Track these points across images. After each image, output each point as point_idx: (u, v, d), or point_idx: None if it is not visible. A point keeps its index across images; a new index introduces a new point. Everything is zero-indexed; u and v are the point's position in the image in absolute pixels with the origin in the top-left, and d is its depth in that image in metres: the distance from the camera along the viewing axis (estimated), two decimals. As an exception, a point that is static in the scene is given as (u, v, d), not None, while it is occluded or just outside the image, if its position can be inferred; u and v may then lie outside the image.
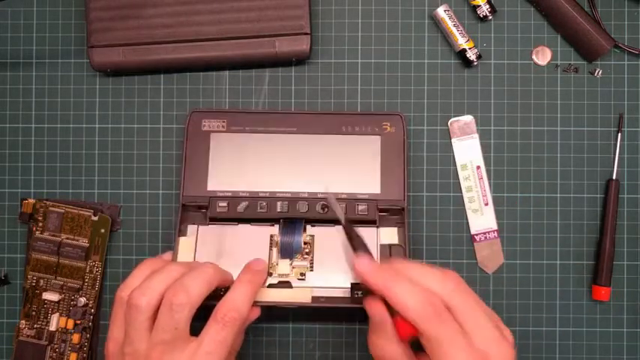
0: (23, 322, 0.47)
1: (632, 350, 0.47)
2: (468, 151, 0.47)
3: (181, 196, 0.46)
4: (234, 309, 0.38)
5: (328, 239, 0.46)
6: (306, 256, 0.46)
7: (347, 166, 0.46)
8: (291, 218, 0.46)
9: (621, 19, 0.47)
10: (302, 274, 0.46)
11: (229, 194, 0.46)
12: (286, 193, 0.46)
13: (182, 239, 0.45)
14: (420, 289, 0.37)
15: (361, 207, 0.46)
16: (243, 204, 0.46)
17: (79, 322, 0.47)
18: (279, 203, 0.46)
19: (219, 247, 0.46)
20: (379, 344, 0.38)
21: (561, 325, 0.47)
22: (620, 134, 0.47)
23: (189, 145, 0.46)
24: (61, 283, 0.47)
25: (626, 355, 0.47)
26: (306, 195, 0.46)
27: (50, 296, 0.47)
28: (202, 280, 0.39)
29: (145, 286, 0.39)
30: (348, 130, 0.46)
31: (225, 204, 0.46)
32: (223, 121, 0.46)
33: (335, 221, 0.45)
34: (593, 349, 0.47)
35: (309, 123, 0.46)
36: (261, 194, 0.46)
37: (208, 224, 0.46)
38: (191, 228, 0.46)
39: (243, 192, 0.46)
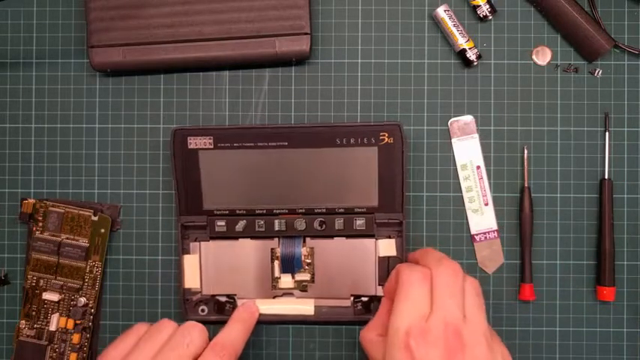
0: (23, 322, 0.47)
1: (632, 350, 0.47)
2: (468, 151, 0.47)
3: (178, 217, 0.46)
4: (232, 343, 0.40)
5: (328, 250, 0.46)
6: (306, 267, 0.46)
7: (343, 179, 0.45)
8: (290, 236, 0.46)
9: (621, 19, 0.47)
10: (304, 287, 0.46)
11: (226, 212, 0.46)
12: (283, 209, 0.45)
13: (186, 257, 0.46)
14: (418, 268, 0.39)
15: (359, 222, 0.45)
16: (242, 223, 0.46)
17: (79, 322, 0.47)
18: (276, 222, 0.46)
19: (223, 263, 0.46)
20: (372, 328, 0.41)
21: (561, 325, 0.47)
22: (607, 133, 0.47)
23: (177, 164, 0.45)
24: (61, 283, 0.47)
25: (626, 355, 0.47)
26: (303, 210, 0.46)
27: (50, 296, 0.47)
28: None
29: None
30: (343, 143, 0.45)
31: (223, 223, 0.46)
32: (210, 139, 0.45)
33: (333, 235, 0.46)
34: (594, 349, 0.47)
35: (301, 137, 0.45)
36: (257, 211, 0.46)
37: (209, 240, 0.46)
38: (193, 245, 0.46)
39: (239, 209, 0.46)
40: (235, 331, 0.42)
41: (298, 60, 0.46)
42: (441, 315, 0.36)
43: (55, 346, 0.47)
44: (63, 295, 0.47)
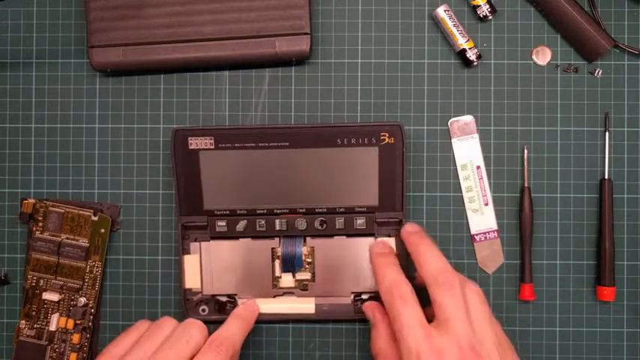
0: (23, 322, 0.47)
1: (632, 350, 0.47)
2: (468, 151, 0.47)
3: (179, 217, 0.46)
4: (230, 339, 0.40)
5: (328, 249, 0.46)
6: (307, 266, 0.46)
7: (344, 179, 0.45)
8: (291, 236, 0.46)
9: (621, 19, 0.47)
10: (304, 286, 0.46)
11: (227, 212, 0.46)
12: (284, 209, 0.46)
13: (187, 257, 0.46)
14: (444, 260, 0.40)
15: (359, 221, 0.45)
16: (242, 223, 0.46)
17: (79, 322, 0.47)
18: (277, 221, 0.46)
19: (223, 263, 0.46)
20: (375, 341, 0.42)
21: (561, 325, 0.47)
22: (607, 133, 0.47)
23: (178, 164, 0.45)
24: (61, 283, 0.47)
25: (626, 355, 0.47)
26: (304, 210, 0.46)
27: (50, 296, 0.47)
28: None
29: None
30: (344, 143, 0.45)
31: (224, 223, 0.46)
32: (210, 139, 0.45)
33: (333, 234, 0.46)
34: (594, 349, 0.47)
35: (302, 137, 0.45)
36: (258, 211, 0.46)
37: (210, 240, 0.46)
38: (193, 245, 0.46)
39: (240, 209, 0.46)
40: (234, 328, 0.42)
41: (298, 60, 0.46)
42: (453, 338, 0.37)
43: (55, 346, 0.47)
44: (63, 295, 0.47)
